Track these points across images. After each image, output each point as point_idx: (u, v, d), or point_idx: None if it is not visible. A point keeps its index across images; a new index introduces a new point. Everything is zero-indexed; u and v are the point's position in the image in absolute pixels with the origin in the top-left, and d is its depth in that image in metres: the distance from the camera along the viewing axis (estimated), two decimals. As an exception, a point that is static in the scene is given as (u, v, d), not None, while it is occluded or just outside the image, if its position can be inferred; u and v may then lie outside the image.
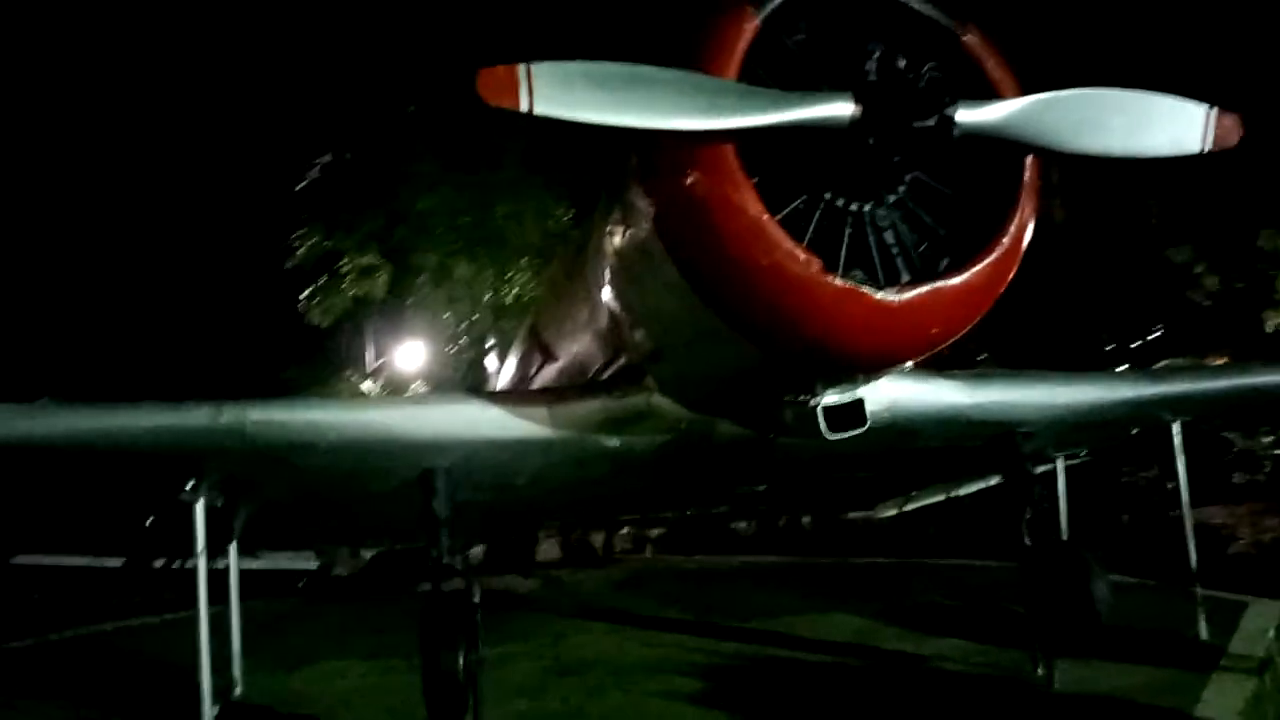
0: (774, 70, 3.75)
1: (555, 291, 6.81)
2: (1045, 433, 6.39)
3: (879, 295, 3.73)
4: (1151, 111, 4.08)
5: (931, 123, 3.54)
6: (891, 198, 3.89)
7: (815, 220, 3.80)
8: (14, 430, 4.73)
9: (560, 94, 3.45)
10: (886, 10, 3.93)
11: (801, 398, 4.56)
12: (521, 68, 3.43)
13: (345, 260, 16.10)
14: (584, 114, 3.46)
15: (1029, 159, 4.01)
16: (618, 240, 4.34)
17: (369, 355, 18.36)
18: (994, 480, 8.15)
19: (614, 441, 5.16)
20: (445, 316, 16.75)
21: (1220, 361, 12.37)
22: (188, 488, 5.10)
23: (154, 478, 5.14)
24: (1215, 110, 4.14)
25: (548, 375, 6.37)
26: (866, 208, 3.87)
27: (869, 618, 8.02)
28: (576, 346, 5.64)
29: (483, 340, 15.65)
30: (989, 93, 3.88)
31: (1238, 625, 7.03)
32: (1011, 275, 4.10)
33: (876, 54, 3.67)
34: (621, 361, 5.09)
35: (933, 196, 3.96)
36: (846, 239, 3.80)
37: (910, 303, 3.78)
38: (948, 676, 6.42)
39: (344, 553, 8.68)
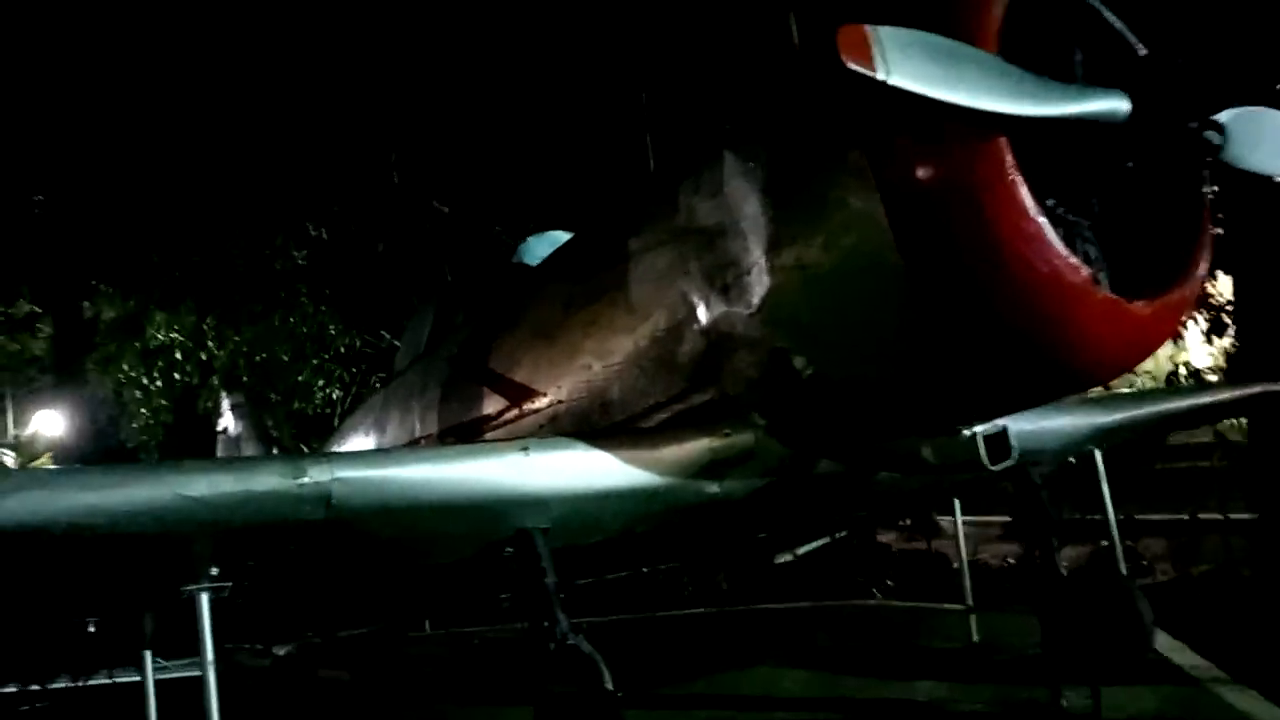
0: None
1: (538, 326, 6.01)
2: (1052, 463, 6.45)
3: (1135, 306, 3.53)
4: None
5: (1202, 126, 3.39)
6: (1099, 206, 3.74)
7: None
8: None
9: (904, 61, 3.04)
10: (1084, 19, 3.80)
11: (959, 428, 4.30)
12: (869, 29, 2.98)
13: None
14: (932, 88, 3.05)
15: (1206, 173, 3.97)
16: (800, 252, 3.84)
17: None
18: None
19: (714, 487, 4.60)
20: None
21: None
22: (211, 573, 4.10)
23: (165, 566, 4.08)
24: None
25: (533, 420, 5.68)
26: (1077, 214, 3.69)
27: (853, 663, 7.70)
28: (610, 382, 4.94)
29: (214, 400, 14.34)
30: None
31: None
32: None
33: (1142, 51, 3.50)
34: (706, 396, 4.59)
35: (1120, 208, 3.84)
36: (1089, 245, 3.58)
37: (1156, 314, 3.60)
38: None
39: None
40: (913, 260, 3.54)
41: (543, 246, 6.54)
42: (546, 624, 4.25)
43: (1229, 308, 11.14)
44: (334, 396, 15.44)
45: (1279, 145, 4.01)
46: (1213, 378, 14.19)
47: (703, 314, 4.41)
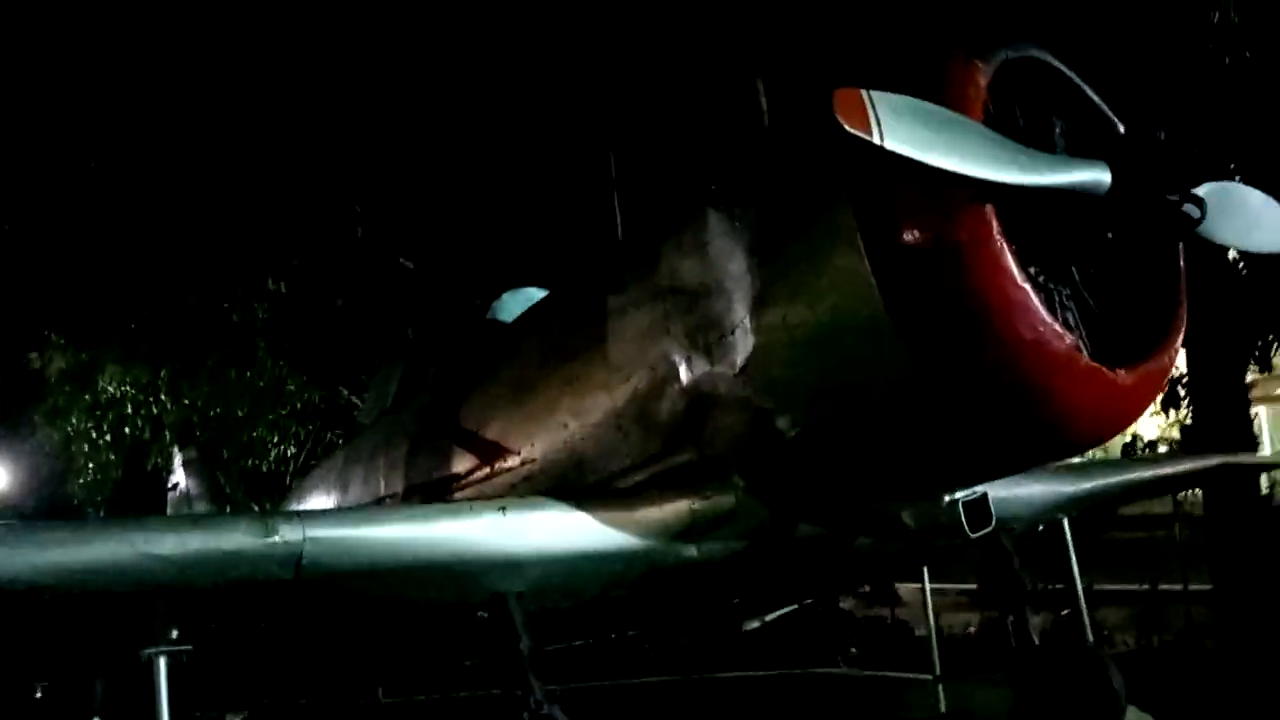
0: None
1: (513, 383, 5.90)
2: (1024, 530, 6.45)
3: (1114, 374, 3.55)
4: (1266, 209, 4.22)
5: (1181, 199, 3.45)
6: (1078, 275, 3.77)
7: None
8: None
9: (899, 126, 3.05)
10: (1064, 94, 3.87)
11: (940, 495, 4.28)
12: (864, 93, 2.99)
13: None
14: (924, 154, 3.06)
15: (1180, 245, 4.04)
16: (785, 311, 3.83)
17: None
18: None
19: (693, 550, 4.52)
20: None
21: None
22: (171, 636, 3.93)
23: (124, 627, 3.91)
24: None
25: (506, 480, 5.58)
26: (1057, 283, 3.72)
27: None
28: (587, 442, 4.86)
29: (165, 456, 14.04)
30: None
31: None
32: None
33: (1121, 127, 3.57)
34: (686, 457, 4.54)
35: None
36: (1070, 313, 3.60)
37: (1136, 383, 3.62)
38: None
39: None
40: (900, 323, 3.53)
41: (517, 303, 6.49)
42: (520, 691, 4.13)
43: (1184, 380, 11.37)
44: (288, 454, 15.14)
45: (1251, 220, 4.15)
46: (1163, 449, 14.41)
47: (684, 373, 4.37)
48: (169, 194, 14.21)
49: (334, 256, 14.75)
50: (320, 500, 7.66)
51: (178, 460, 11.82)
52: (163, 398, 15.25)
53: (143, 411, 15.35)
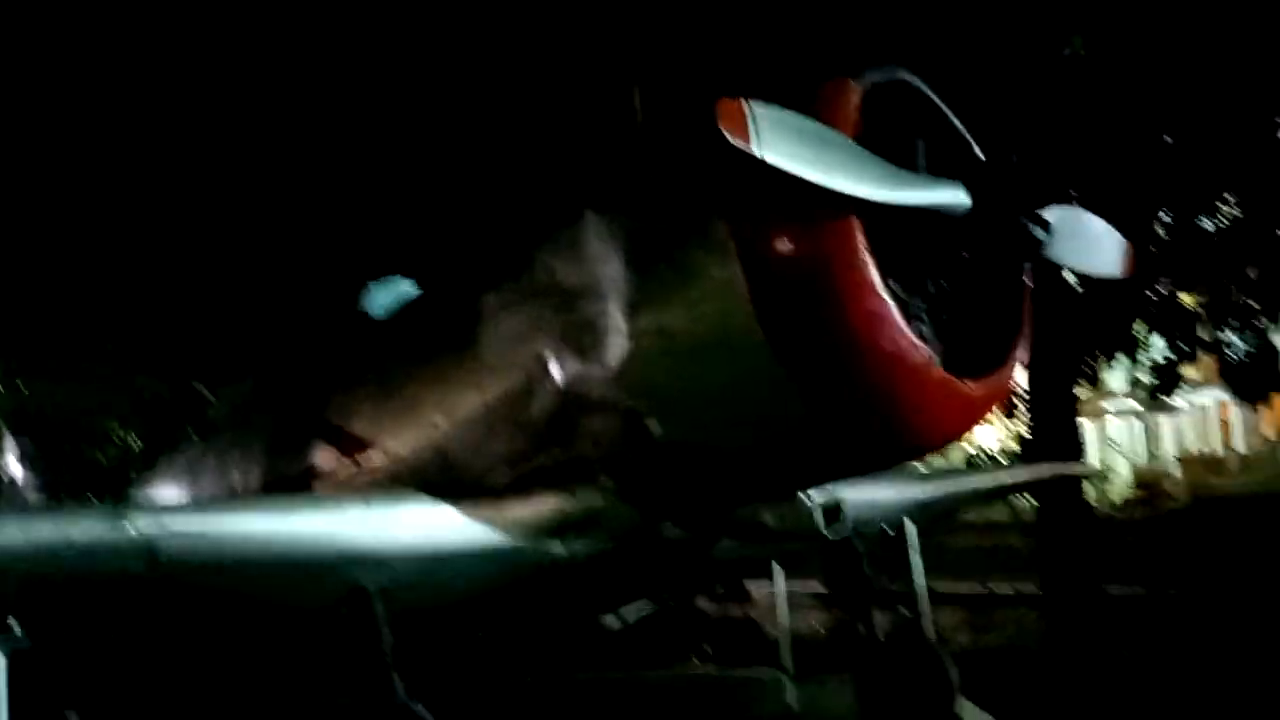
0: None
1: (381, 380, 5.81)
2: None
3: (963, 384, 3.75)
4: (1105, 234, 4.57)
5: (1031, 222, 3.68)
6: (933, 290, 3.99)
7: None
8: None
9: (777, 140, 3.15)
10: (928, 118, 4.08)
11: (799, 496, 4.45)
12: (746, 105, 3.08)
13: None
14: (799, 167, 3.17)
15: (1027, 265, 4.30)
16: (660, 317, 3.92)
17: None
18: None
19: (560, 549, 4.57)
20: None
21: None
22: (14, 632, 3.73)
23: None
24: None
25: (371, 477, 5.51)
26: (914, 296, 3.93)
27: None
28: (457, 440, 4.86)
29: None
30: None
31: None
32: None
33: (979, 152, 3.79)
34: (557, 457, 4.57)
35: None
36: (924, 325, 3.80)
37: (983, 394, 3.85)
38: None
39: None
40: (769, 331, 3.67)
41: (387, 295, 6.41)
42: (381, 688, 4.10)
43: (1023, 394, 12.06)
44: (135, 448, 14.50)
45: (1091, 245, 4.47)
46: (1002, 459, 15.23)
47: (557, 374, 4.42)
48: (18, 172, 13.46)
49: (188, 245, 14.24)
50: (172, 494, 7.37)
51: (10, 451, 11.21)
52: None
53: None
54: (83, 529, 3.52)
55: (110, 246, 12.97)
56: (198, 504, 4.53)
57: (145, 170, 11.63)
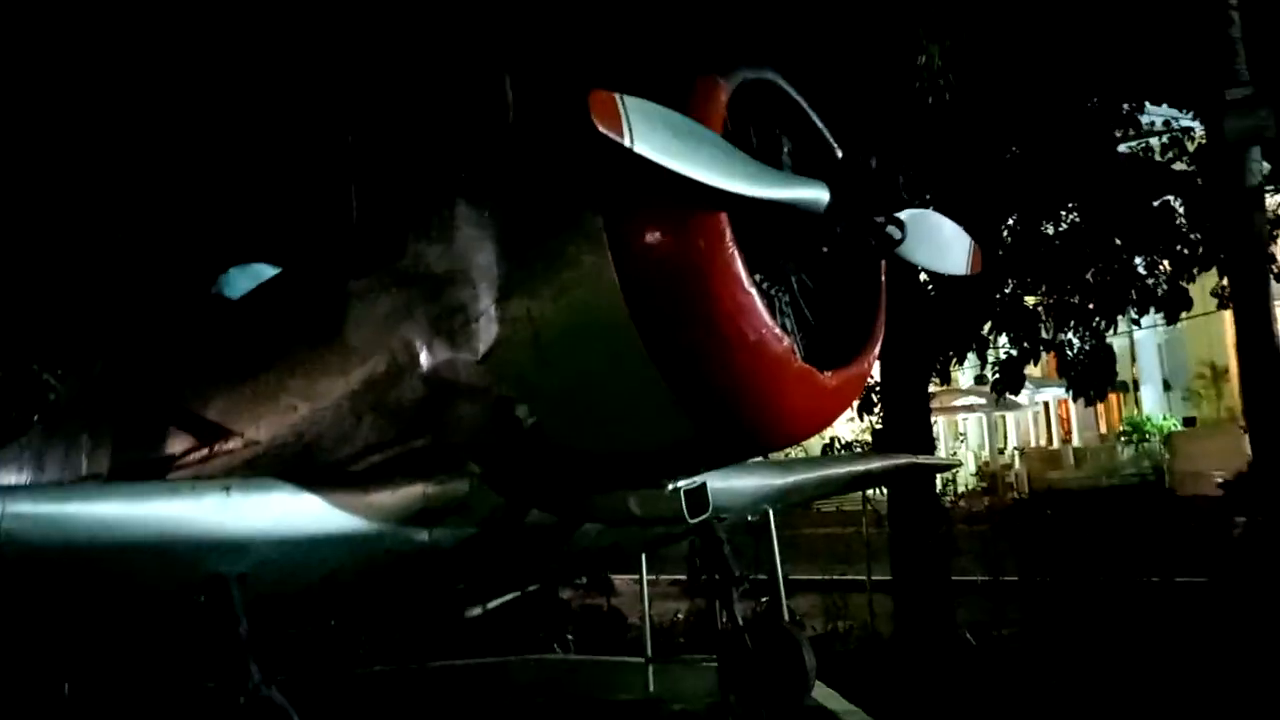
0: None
1: (237, 363, 5.60)
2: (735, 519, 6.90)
3: (824, 376, 3.90)
4: (955, 236, 4.81)
5: (887, 221, 3.85)
6: (795, 284, 4.14)
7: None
8: None
9: (649, 133, 3.21)
10: (793, 117, 4.22)
11: (664, 483, 4.53)
12: (618, 97, 3.12)
13: None
14: (670, 160, 3.23)
15: (883, 261, 4.50)
16: (530, 305, 3.94)
17: None
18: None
19: (424, 535, 4.54)
20: None
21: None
22: None
23: None
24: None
25: (227, 462, 5.38)
26: (777, 289, 4.06)
27: None
28: (318, 425, 4.78)
29: None
30: None
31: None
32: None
33: (839, 152, 3.94)
34: (422, 443, 4.56)
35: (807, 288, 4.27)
36: (786, 318, 3.94)
37: (841, 385, 4.00)
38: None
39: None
40: (637, 320, 3.74)
41: (245, 279, 6.24)
42: (238, 675, 4.02)
43: (877, 388, 12.52)
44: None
45: (943, 245, 4.70)
46: (857, 450, 15.76)
47: (424, 359, 4.39)
48: None
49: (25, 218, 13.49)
50: (12, 479, 7.03)
51: None
52: None
53: None
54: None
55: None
56: (46, 489, 4.32)
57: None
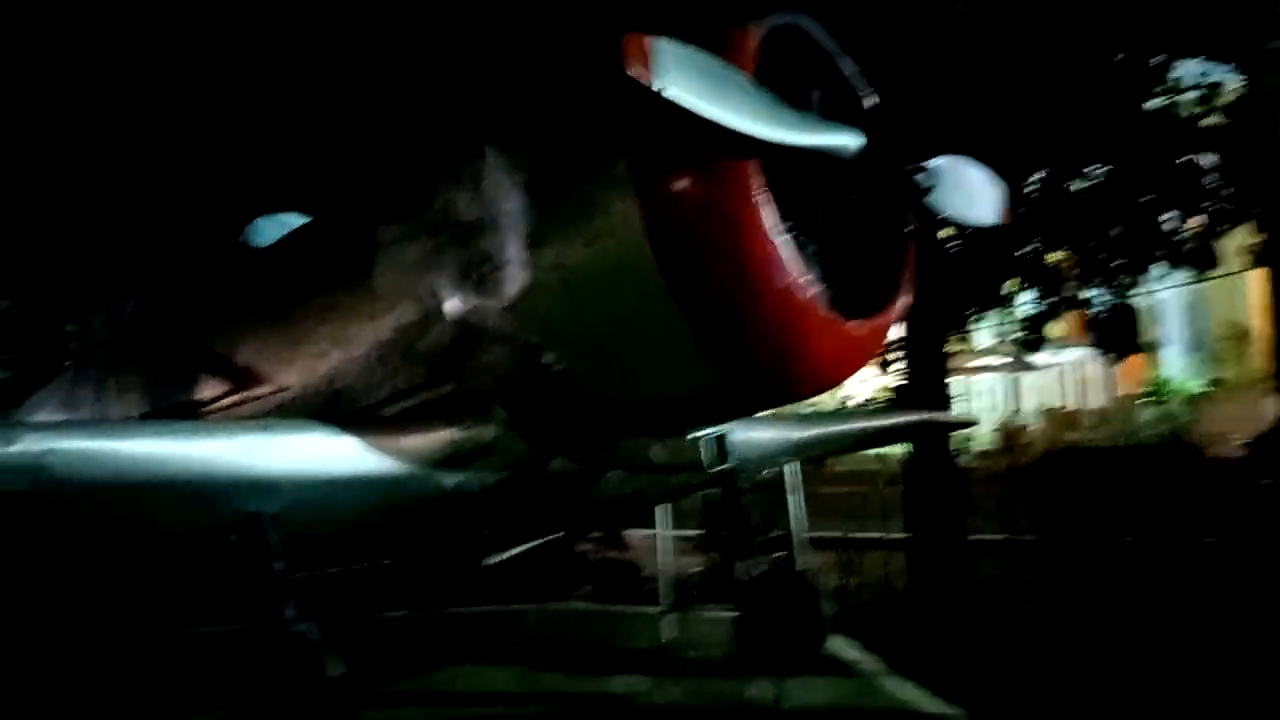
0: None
1: (268, 309, 5.68)
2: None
3: (849, 325, 3.92)
4: (985, 184, 4.79)
5: (914, 168, 3.85)
6: (823, 232, 4.14)
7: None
8: None
9: (680, 76, 3.22)
10: (822, 64, 4.20)
11: (688, 431, 4.59)
12: (649, 40, 3.12)
13: None
14: (702, 104, 3.23)
15: (911, 212, 4.49)
16: (558, 251, 3.98)
17: None
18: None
19: (451, 480, 4.63)
20: None
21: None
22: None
23: None
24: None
25: (258, 406, 5.44)
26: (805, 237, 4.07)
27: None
28: (347, 370, 4.86)
29: None
30: None
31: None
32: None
33: (870, 99, 3.93)
34: (450, 388, 4.62)
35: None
36: (813, 266, 3.94)
37: (867, 335, 4.03)
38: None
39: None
40: (664, 266, 3.77)
41: (273, 229, 6.29)
42: (271, 613, 4.12)
43: (895, 345, 12.50)
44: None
45: (973, 194, 4.68)
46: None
47: (453, 306, 4.45)
48: None
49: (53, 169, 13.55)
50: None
51: None
52: None
53: None
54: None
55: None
56: (86, 425, 4.41)
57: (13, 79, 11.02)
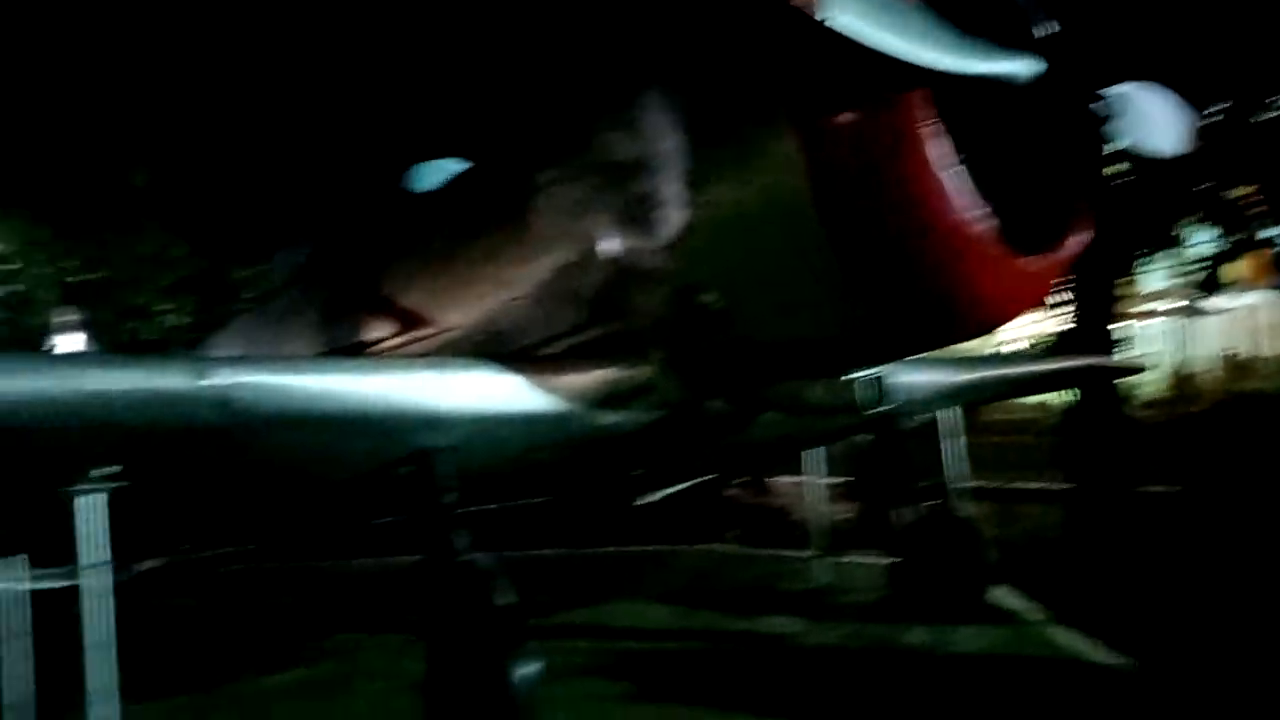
0: None
1: (433, 253, 5.82)
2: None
3: (1021, 261, 3.79)
4: (1168, 111, 4.50)
5: (1093, 96, 3.66)
6: (995, 163, 3.97)
7: None
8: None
9: (846, 4, 3.14)
10: None
11: (844, 373, 4.53)
12: None
13: None
14: (869, 33, 3.17)
15: (1091, 142, 4.26)
16: (716, 192, 3.96)
17: None
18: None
19: (610, 418, 4.71)
20: None
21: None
22: (92, 475, 3.89)
23: (46, 464, 3.87)
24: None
25: (424, 346, 5.57)
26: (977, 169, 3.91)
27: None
28: (510, 311, 5.01)
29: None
30: None
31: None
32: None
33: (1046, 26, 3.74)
34: (608, 329, 4.68)
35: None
36: (986, 200, 3.80)
37: (1040, 271, 3.88)
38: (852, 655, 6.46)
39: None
40: (828, 206, 3.71)
41: (433, 175, 6.46)
42: (443, 542, 4.29)
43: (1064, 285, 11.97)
44: (178, 323, 14.71)
45: (1154, 122, 4.41)
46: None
47: (611, 247, 4.50)
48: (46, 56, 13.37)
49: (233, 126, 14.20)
50: None
51: (59, 321, 11.48)
52: (42, 258, 14.61)
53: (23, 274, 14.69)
54: (164, 379, 3.68)
55: (154, 121, 12.99)
56: (272, 359, 4.66)
57: (190, 40, 11.57)
